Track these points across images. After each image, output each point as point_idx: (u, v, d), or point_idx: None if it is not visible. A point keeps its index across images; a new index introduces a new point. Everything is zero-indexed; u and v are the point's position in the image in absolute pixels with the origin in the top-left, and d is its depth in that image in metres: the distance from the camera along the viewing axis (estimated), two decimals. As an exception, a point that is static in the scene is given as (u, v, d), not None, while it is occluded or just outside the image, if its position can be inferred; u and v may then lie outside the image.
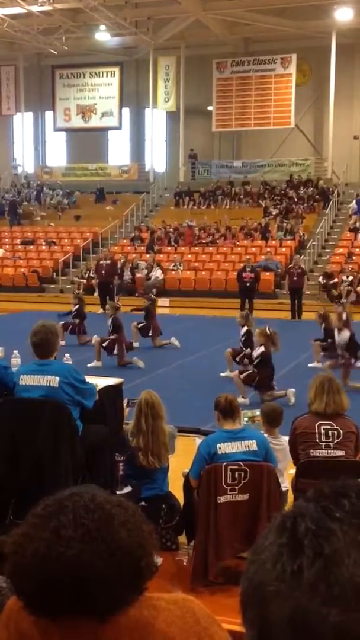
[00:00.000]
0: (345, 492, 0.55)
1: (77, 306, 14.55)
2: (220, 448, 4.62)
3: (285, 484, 5.20)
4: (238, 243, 25.68)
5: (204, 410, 6.94)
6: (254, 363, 9.94)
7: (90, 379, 5.20)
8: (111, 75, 32.33)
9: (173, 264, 24.42)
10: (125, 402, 5.92)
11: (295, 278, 19.45)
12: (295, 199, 27.89)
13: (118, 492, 4.92)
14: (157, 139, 33.08)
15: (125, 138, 34.83)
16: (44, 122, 35.88)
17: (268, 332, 9.91)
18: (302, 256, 23.12)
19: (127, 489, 5.13)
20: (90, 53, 31.64)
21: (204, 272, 24.21)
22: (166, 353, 13.56)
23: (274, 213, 27.08)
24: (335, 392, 4.96)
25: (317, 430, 4.88)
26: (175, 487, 5.33)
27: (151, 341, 14.09)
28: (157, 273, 23.80)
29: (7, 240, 28.99)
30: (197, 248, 25.80)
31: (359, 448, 5.03)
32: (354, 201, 26.18)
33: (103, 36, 29.27)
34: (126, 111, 33.68)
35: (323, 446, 4.86)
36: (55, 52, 30.66)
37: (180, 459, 5.58)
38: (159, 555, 5.06)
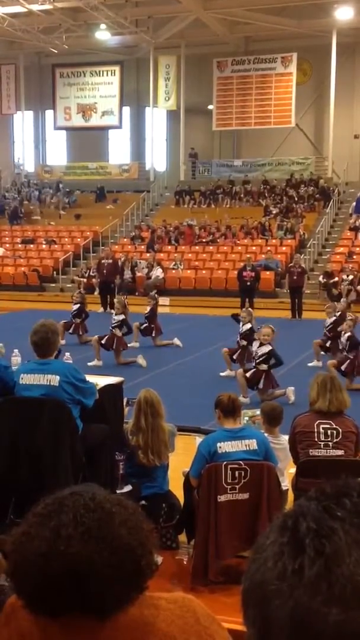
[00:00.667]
0: (347, 492, 0.55)
1: (78, 305, 14.53)
2: (220, 447, 4.62)
3: (286, 483, 5.20)
4: (238, 242, 25.68)
5: (203, 409, 6.94)
6: (261, 360, 9.85)
7: (90, 378, 5.20)
8: (111, 74, 32.32)
9: (173, 263, 24.42)
10: (124, 401, 5.92)
11: (295, 277, 19.45)
12: (296, 198, 27.89)
13: (118, 491, 4.92)
14: (157, 138, 33.07)
15: (125, 137, 34.82)
16: (44, 121, 35.87)
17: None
18: (303, 255, 23.12)
19: (128, 488, 5.14)
20: (90, 52, 31.63)
21: (204, 271, 24.22)
22: (166, 352, 13.55)
23: (274, 212, 27.07)
24: (337, 390, 4.98)
25: (316, 430, 4.89)
26: (176, 486, 5.33)
27: (152, 341, 14.09)
28: (157, 272, 23.80)
29: (7, 239, 29.00)
30: (197, 247, 25.80)
31: (359, 448, 5.04)
32: (355, 201, 26.15)
33: (103, 35, 29.26)
34: (126, 110, 33.67)
35: (322, 445, 4.87)
36: (56, 51, 30.64)
37: (180, 458, 5.58)
38: (159, 554, 5.07)
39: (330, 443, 4.89)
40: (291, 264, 20.59)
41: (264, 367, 9.74)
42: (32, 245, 28.08)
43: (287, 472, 5.43)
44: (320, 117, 30.85)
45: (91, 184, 32.14)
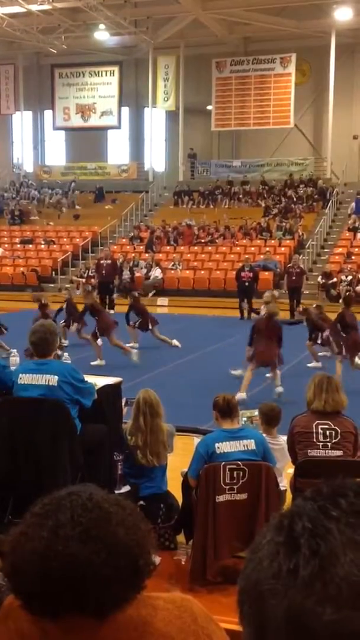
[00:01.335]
0: (343, 492, 0.55)
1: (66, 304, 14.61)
2: (218, 447, 4.63)
3: (284, 483, 5.20)
4: (237, 242, 25.69)
5: (202, 409, 6.94)
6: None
7: (89, 378, 5.20)
8: (110, 75, 32.32)
9: (172, 263, 24.42)
10: (123, 401, 5.92)
11: (294, 277, 19.47)
12: (294, 199, 27.90)
13: (117, 491, 4.92)
14: (156, 138, 33.07)
15: (124, 137, 34.82)
16: (43, 121, 35.85)
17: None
18: (301, 256, 23.13)
19: (126, 488, 5.14)
20: (89, 52, 31.63)
21: (202, 272, 24.23)
22: (165, 352, 13.55)
23: (273, 212, 27.08)
24: (333, 391, 4.97)
25: (314, 430, 4.89)
26: (174, 486, 5.33)
27: (151, 334, 14.04)
28: (156, 272, 23.81)
29: (6, 239, 28.99)
30: (196, 247, 25.81)
31: (358, 448, 5.04)
32: (354, 201, 26.17)
33: (102, 35, 29.26)
34: (125, 110, 33.66)
35: (321, 446, 4.87)
36: (55, 51, 30.64)
37: (179, 458, 5.58)
38: (158, 554, 5.07)
39: (329, 443, 4.89)
40: (290, 265, 20.60)
41: None
42: (30, 246, 28.08)
43: (286, 473, 5.43)
44: (319, 118, 30.86)
45: (90, 184, 32.14)
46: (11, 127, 36.09)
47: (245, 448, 4.66)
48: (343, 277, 21.64)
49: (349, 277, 21.59)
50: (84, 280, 23.04)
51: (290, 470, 5.25)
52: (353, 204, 26.42)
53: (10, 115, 34.99)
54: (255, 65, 29.87)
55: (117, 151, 34.82)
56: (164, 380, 10.52)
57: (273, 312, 10.56)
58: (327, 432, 4.91)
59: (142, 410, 5.27)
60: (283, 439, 5.42)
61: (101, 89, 32.41)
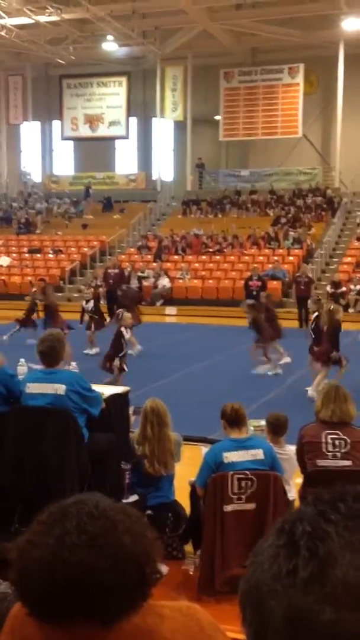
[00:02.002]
0: (342, 497, 0.56)
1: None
2: (226, 457, 4.61)
3: (292, 493, 5.17)
4: (245, 252, 25.70)
5: (210, 419, 6.92)
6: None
7: (96, 387, 5.20)
8: (118, 85, 32.51)
9: (180, 272, 24.46)
10: (131, 410, 5.93)
11: (302, 287, 19.46)
12: (303, 208, 27.91)
13: (124, 501, 4.91)
14: (164, 148, 33.21)
15: (132, 147, 34.97)
16: (51, 131, 36.07)
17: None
18: (310, 265, 23.12)
19: (134, 498, 5.13)
20: (97, 63, 31.83)
21: (211, 281, 24.24)
22: (172, 361, 13.54)
23: (282, 222, 27.10)
24: (341, 401, 4.94)
25: (324, 440, 4.86)
26: (182, 495, 5.32)
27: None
28: (164, 281, 23.84)
29: (14, 248, 29.10)
30: (204, 257, 25.84)
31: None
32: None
33: (110, 46, 29.45)
34: (133, 120, 33.82)
35: (330, 456, 4.84)
36: (63, 62, 30.86)
37: (187, 468, 5.57)
38: (165, 564, 5.05)
39: (338, 453, 4.86)
40: (298, 274, 20.59)
41: None
42: (38, 255, 28.17)
43: (294, 482, 5.41)
44: (328, 128, 30.91)
45: (98, 193, 32.26)
46: (19, 137, 36.31)
47: (254, 457, 4.64)
48: (352, 287, 21.60)
49: (358, 287, 21.55)
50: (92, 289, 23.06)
51: (299, 480, 5.23)
52: (361, 213, 26.41)
53: (18, 125, 35.21)
54: (263, 76, 29.98)
55: (125, 161, 34.97)
56: (171, 389, 10.51)
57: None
58: (337, 442, 4.88)
59: (150, 419, 5.27)
60: (290, 448, 5.40)
61: (109, 100, 32.59)
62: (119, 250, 27.68)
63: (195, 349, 14.52)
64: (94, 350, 13.64)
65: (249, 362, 13.32)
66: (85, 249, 27.88)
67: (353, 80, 28.75)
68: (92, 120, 32.95)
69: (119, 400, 5.53)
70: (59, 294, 25.15)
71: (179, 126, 32.70)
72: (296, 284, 20.05)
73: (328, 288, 21.82)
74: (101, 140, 33.42)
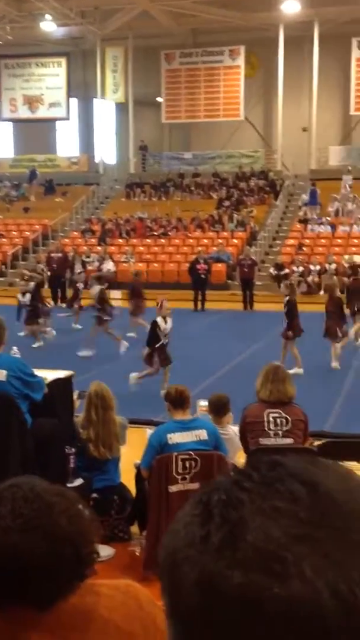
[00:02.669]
0: (257, 466, 0.57)
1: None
2: (170, 438, 4.65)
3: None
4: (190, 235, 25.74)
5: (155, 401, 6.96)
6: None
7: (39, 372, 5.16)
8: (58, 66, 31.98)
9: (125, 256, 24.36)
10: (75, 394, 5.90)
11: (246, 269, 19.64)
12: (246, 191, 28.08)
13: (69, 485, 4.90)
14: (106, 130, 32.88)
15: (74, 129, 34.51)
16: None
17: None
18: (254, 247, 23.31)
19: (79, 481, 5.13)
20: (36, 43, 31.22)
21: (156, 264, 24.21)
22: (118, 345, 13.50)
23: (225, 205, 27.22)
24: (279, 381, 5.03)
25: (266, 419, 4.95)
26: (128, 478, 5.35)
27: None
28: (108, 265, 23.71)
29: None
30: (148, 240, 25.77)
31: (307, 435, 5.12)
32: (308, 191, 26.41)
33: (49, 26, 28.90)
34: (74, 102, 33.35)
35: (272, 434, 4.93)
36: (0, 42, 30.14)
37: (133, 450, 5.59)
38: (112, 545, 5.08)
39: (279, 432, 4.95)
40: (241, 257, 20.76)
41: None
42: (-20, 240, 27.60)
43: (236, 462, 5.48)
44: (269, 111, 31.09)
45: (40, 176, 31.70)
46: None
47: (197, 438, 4.70)
48: (295, 269, 21.89)
49: (300, 268, 21.85)
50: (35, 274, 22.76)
51: (242, 459, 5.31)
52: (304, 196, 26.69)
53: None
54: (204, 58, 29.92)
55: (67, 143, 34.49)
56: (117, 373, 10.49)
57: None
58: (278, 421, 4.97)
59: (94, 403, 5.27)
60: (232, 428, 5.48)
61: (49, 80, 32.03)
62: (62, 234, 27.37)
63: (141, 333, 14.50)
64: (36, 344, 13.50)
65: (194, 345, 13.41)
66: (28, 233, 27.47)
67: (293, 63, 28.96)
68: (31, 102, 32.35)
69: (62, 385, 5.50)
70: (1, 279, 24.81)
71: (121, 108, 32.41)
72: (240, 267, 20.22)
73: (271, 270, 22.08)
74: (41, 122, 32.85)
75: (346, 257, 22.14)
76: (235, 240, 25.02)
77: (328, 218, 25.36)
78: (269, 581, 0.50)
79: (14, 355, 5.90)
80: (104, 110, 32.28)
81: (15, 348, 6.43)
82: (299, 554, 0.51)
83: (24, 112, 32.51)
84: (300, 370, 10.67)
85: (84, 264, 23.49)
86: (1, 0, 26.06)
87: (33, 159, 32.67)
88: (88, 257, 24.06)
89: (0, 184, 31.90)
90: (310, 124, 29.28)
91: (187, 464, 4.56)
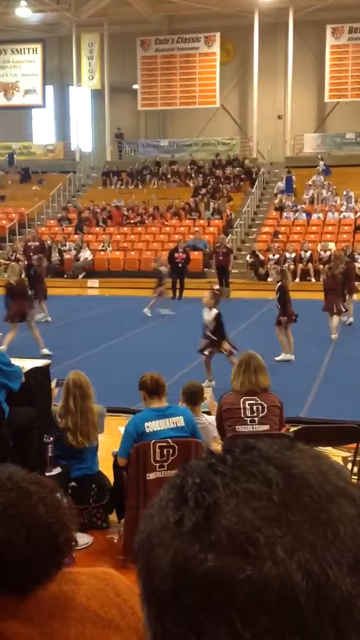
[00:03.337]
0: (231, 449, 0.58)
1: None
2: (148, 426, 4.67)
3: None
4: (166, 223, 25.69)
5: (133, 389, 6.96)
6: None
7: (16, 362, 5.14)
8: (33, 52, 31.61)
9: (102, 244, 24.26)
10: (54, 383, 5.89)
11: (221, 257, 19.66)
12: (222, 179, 28.06)
13: (47, 474, 4.90)
14: (82, 118, 32.60)
15: (50, 116, 34.17)
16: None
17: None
18: (230, 235, 23.33)
19: (57, 470, 5.13)
20: (11, 29, 30.75)
21: (133, 252, 24.14)
22: (95, 334, 13.48)
23: (201, 192, 27.18)
24: (251, 373, 5.07)
25: (242, 406, 4.99)
26: (106, 466, 5.36)
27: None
28: (85, 254, 23.61)
29: None
30: (125, 228, 25.68)
31: (283, 422, 5.17)
32: (284, 178, 26.45)
33: (24, 12, 28.53)
34: (50, 89, 33.01)
35: (248, 421, 4.97)
36: (-26, 28, 29.71)
37: (112, 439, 5.60)
38: (90, 533, 5.10)
39: (256, 418, 5.00)
40: (217, 244, 20.77)
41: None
42: None
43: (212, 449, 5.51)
44: (245, 98, 31.04)
45: (15, 164, 31.42)
46: None
47: (175, 425, 4.72)
48: (270, 256, 21.95)
49: (276, 256, 21.92)
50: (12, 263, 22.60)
51: (218, 448, 5.34)
52: (279, 184, 26.75)
53: None
54: (180, 44, 29.75)
55: (43, 131, 34.16)
56: (94, 362, 10.48)
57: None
58: (254, 408, 5.02)
59: (72, 392, 5.26)
60: (206, 417, 5.52)
61: (24, 67, 31.66)
62: (39, 223, 27.17)
63: (119, 321, 14.50)
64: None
65: (173, 333, 13.43)
66: (4, 222, 27.22)
67: (268, 50, 28.92)
68: (6, 89, 31.97)
69: (39, 374, 5.49)
70: (-23, 268, 24.54)
71: (97, 95, 32.16)
72: (215, 255, 20.24)
73: (248, 258, 22.13)
74: (17, 109, 32.48)
75: (321, 244, 22.26)
76: (211, 229, 25.02)
77: (303, 205, 25.45)
78: (241, 563, 0.51)
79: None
80: (80, 98, 32.00)
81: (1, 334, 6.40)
82: (271, 536, 0.52)
83: (-1, 99, 32.14)
84: (291, 357, 10.70)
85: (61, 252, 23.42)
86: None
87: (8, 146, 32.33)
88: (64, 245, 23.96)
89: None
90: (285, 111, 29.30)
91: (165, 452, 4.58)
